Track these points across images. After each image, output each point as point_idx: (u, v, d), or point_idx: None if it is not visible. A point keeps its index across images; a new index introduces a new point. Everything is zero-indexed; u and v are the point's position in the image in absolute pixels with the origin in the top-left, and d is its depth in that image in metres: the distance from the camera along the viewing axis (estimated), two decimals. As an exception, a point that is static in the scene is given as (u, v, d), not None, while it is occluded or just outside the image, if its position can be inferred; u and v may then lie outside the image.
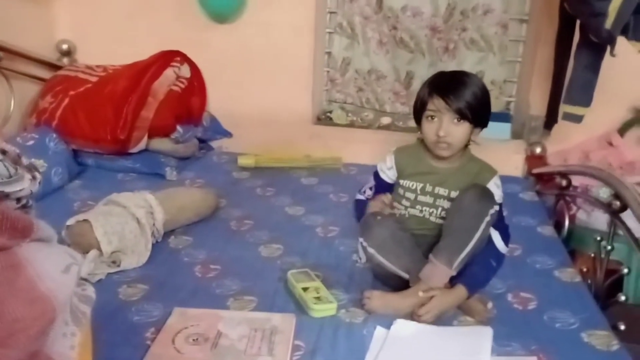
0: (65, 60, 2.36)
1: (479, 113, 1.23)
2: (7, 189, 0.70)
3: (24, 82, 2.18)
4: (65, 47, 2.36)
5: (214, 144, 2.35)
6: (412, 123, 2.24)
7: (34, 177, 0.76)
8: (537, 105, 2.08)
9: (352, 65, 2.32)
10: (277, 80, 2.29)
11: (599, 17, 1.43)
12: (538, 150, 2.01)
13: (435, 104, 1.21)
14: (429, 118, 1.23)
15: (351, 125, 2.35)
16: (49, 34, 2.36)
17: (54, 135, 1.97)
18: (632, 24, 1.43)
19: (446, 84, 1.22)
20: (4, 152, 0.74)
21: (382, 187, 1.35)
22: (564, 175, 1.76)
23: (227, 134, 2.35)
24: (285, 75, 2.29)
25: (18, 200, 0.74)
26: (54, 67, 2.30)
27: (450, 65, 2.21)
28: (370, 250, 1.23)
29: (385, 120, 2.33)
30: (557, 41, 1.84)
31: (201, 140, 2.28)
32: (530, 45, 2.12)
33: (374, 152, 2.14)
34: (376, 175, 1.38)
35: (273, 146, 2.18)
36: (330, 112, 2.38)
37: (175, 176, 2.00)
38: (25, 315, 0.61)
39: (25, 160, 0.77)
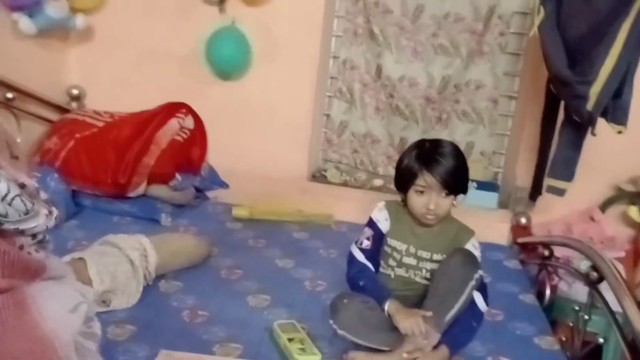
0: (74, 105, 2.45)
1: (464, 185, 1.31)
2: (22, 226, 0.70)
3: (32, 122, 2.25)
4: (75, 92, 2.45)
5: (210, 193, 2.40)
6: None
7: (50, 212, 0.76)
8: (523, 177, 2.17)
9: (349, 128, 2.43)
10: (275, 137, 2.38)
11: (581, 99, 1.53)
12: (523, 220, 2.07)
13: (427, 180, 1.26)
14: (419, 192, 1.28)
15: (344, 184, 2.42)
16: (60, 78, 2.46)
17: (56, 175, 2.03)
18: (611, 108, 1.54)
19: (435, 160, 1.26)
20: (22, 186, 0.74)
21: (378, 237, 1.38)
22: (547, 245, 1.82)
23: (224, 185, 2.41)
24: (284, 133, 2.38)
25: (34, 236, 0.74)
26: (63, 110, 2.39)
27: (442, 134, 2.32)
28: (340, 332, 1.27)
29: (378, 182, 2.41)
30: (543, 118, 1.95)
31: (198, 190, 2.33)
32: (518, 121, 2.24)
33: (365, 211, 2.17)
34: (373, 224, 1.40)
35: (267, 199, 2.24)
36: (325, 170, 2.46)
37: (170, 222, 2.04)
38: (26, 354, 0.62)
39: (43, 195, 0.78)
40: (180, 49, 2.38)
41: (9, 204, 0.66)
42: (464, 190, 1.32)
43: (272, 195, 2.26)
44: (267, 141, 2.40)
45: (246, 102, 2.39)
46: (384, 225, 1.39)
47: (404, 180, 1.32)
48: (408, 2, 2.27)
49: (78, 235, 1.83)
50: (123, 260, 1.49)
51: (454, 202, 1.31)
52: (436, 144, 1.33)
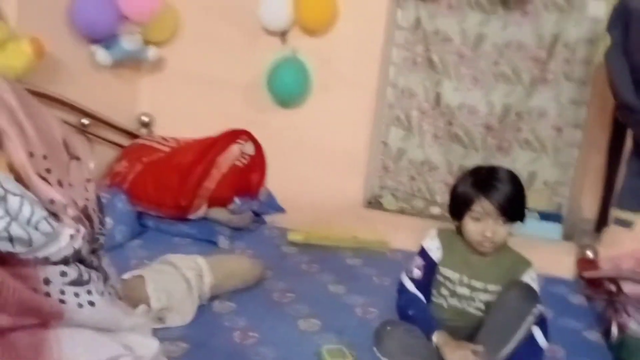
0: (143, 131, 2.58)
1: (521, 212, 1.27)
2: (42, 253, 0.64)
3: (104, 146, 2.39)
4: (145, 119, 2.59)
5: (267, 218, 2.44)
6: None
7: (77, 231, 0.70)
8: (589, 208, 2.07)
9: (406, 155, 2.42)
10: (332, 163, 2.40)
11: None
12: (589, 253, 1.97)
13: (484, 207, 1.23)
14: (474, 219, 1.25)
15: (401, 212, 2.40)
16: (132, 106, 2.60)
17: (123, 197, 2.14)
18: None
19: (492, 186, 1.24)
20: (52, 202, 0.68)
21: (430, 266, 1.36)
22: (615, 281, 1.72)
23: (281, 210, 2.45)
24: (341, 159, 2.40)
25: (65, 261, 0.68)
26: (133, 135, 2.52)
27: (503, 163, 2.25)
28: (383, 359, 1.26)
29: (435, 210, 2.38)
30: (609, 147, 1.87)
31: (256, 214, 2.39)
32: (584, 150, 2.15)
33: (421, 240, 2.17)
34: (424, 254, 1.38)
35: (322, 225, 2.26)
36: (381, 197, 2.45)
37: (227, 245, 2.09)
38: None
39: (72, 211, 0.71)
40: (242, 78, 2.47)
41: (35, 228, 0.61)
42: (521, 217, 1.28)
43: (327, 221, 2.28)
44: (324, 167, 2.42)
45: (305, 129, 2.44)
46: (436, 254, 1.36)
47: (459, 206, 1.30)
48: (468, 30, 2.26)
49: (140, 254, 1.91)
50: (180, 279, 1.54)
51: (511, 230, 1.28)
52: (493, 170, 1.31)
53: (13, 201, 0.55)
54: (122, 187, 2.21)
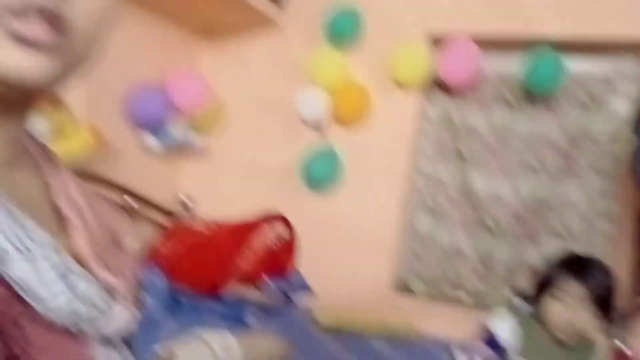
0: (185, 212, 2.73)
1: (611, 307, 1.23)
2: (97, 331, 0.61)
3: (147, 225, 2.54)
4: (187, 201, 2.75)
5: (297, 298, 2.48)
6: (490, 302, 2.28)
7: (131, 312, 0.70)
8: (620, 302, 2.02)
9: (436, 241, 2.45)
10: (362, 247, 2.46)
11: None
12: (622, 346, 1.91)
13: (576, 290, 1.20)
14: (561, 301, 1.21)
15: (429, 297, 2.40)
16: (175, 188, 2.77)
17: (160, 274, 2.24)
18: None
19: (588, 271, 1.22)
20: (108, 285, 0.66)
21: (499, 356, 1.26)
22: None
23: (311, 292, 2.49)
24: (370, 244, 2.45)
25: (114, 341, 0.67)
26: (175, 217, 2.67)
27: (532, 252, 2.27)
28: None
29: (464, 296, 2.36)
30: (636, 242, 1.86)
31: (286, 294, 2.43)
32: (614, 242, 2.14)
33: (450, 327, 2.16)
34: (494, 343, 1.28)
35: (351, 309, 2.28)
36: (410, 282, 2.46)
37: (256, 324, 2.13)
38: None
39: (125, 294, 0.69)
40: (279, 165, 2.62)
41: (96, 305, 0.59)
42: (609, 312, 1.23)
43: (356, 305, 2.30)
44: (354, 251, 2.48)
45: (336, 214, 2.53)
46: (509, 340, 1.26)
47: (546, 284, 1.25)
48: (495, 122, 2.36)
49: (172, 327, 1.97)
50: (208, 354, 1.58)
51: (597, 323, 1.21)
52: (588, 258, 1.29)
53: (73, 278, 0.56)
54: (160, 264, 2.31)
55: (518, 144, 2.33)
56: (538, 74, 2.18)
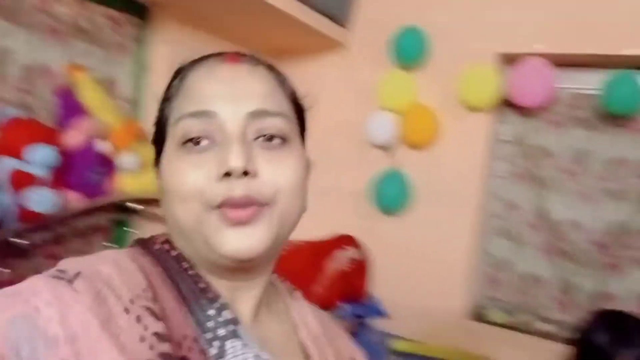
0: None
1: None
2: None
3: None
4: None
5: (371, 322, 2.51)
6: (571, 334, 2.21)
7: None
8: None
9: (513, 267, 2.40)
10: (435, 272, 2.45)
11: None
12: None
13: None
14: None
15: (507, 326, 2.35)
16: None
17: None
18: None
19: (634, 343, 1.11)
20: None
21: None
22: None
23: (385, 315, 2.51)
24: (444, 268, 2.43)
25: None
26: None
27: (615, 282, 2.18)
28: None
29: (544, 326, 2.30)
30: None
31: (359, 317, 2.46)
32: None
33: (529, 358, 2.12)
34: None
35: (426, 335, 2.28)
36: (487, 309, 2.43)
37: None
38: None
39: None
40: (351, 188, 2.65)
41: None
42: None
43: (431, 331, 2.30)
44: (428, 275, 2.47)
45: (408, 238, 2.52)
46: None
47: (607, 349, 1.17)
48: (573, 145, 2.28)
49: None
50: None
51: None
52: (636, 321, 1.18)
53: None
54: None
55: (597, 166, 2.23)
56: (617, 94, 2.08)
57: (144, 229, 2.20)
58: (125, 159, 2.01)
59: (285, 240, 0.60)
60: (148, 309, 0.50)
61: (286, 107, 0.61)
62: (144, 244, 0.61)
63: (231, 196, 0.52)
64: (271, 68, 0.63)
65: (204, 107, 0.56)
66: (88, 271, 0.50)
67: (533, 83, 2.22)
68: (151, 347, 0.48)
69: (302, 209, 0.61)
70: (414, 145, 2.50)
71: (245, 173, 0.53)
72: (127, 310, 0.49)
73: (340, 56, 2.70)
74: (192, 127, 0.55)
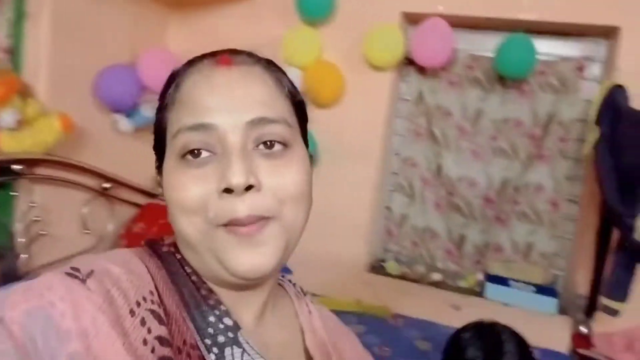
0: (160, 190, 2.70)
1: None
2: None
3: (123, 206, 2.53)
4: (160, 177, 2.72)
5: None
6: (461, 283, 2.38)
7: None
8: (585, 285, 2.13)
9: (409, 221, 2.52)
10: (336, 228, 2.50)
11: (628, 229, 1.55)
12: (584, 329, 2.04)
13: None
14: None
15: (403, 277, 2.49)
16: (150, 166, 2.72)
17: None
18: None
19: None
20: None
21: None
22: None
23: (288, 271, 2.55)
24: (346, 224, 2.50)
25: None
26: (150, 195, 2.66)
27: (501, 234, 2.35)
28: None
29: (436, 276, 2.46)
30: (597, 237, 1.94)
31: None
32: (579, 225, 2.24)
33: (422, 306, 2.26)
34: None
35: (328, 289, 2.35)
36: (384, 261, 2.54)
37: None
38: None
39: None
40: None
41: None
42: None
43: (332, 285, 2.37)
44: (331, 231, 2.52)
45: (314, 196, 2.54)
46: None
47: None
48: (468, 106, 2.38)
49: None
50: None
51: None
52: (499, 341, 1.17)
53: None
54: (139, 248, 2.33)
55: (490, 128, 2.36)
56: (510, 57, 2.17)
57: (27, 193, 2.03)
58: (3, 116, 1.82)
59: (294, 248, 0.60)
60: (153, 312, 0.52)
61: (285, 109, 0.59)
62: (152, 246, 0.62)
63: (237, 218, 0.53)
64: (267, 66, 0.61)
65: (203, 119, 0.55)
66: (100, 271, 0.52)
67: (433, 43, 2.26)
68: (153, 351, 0.49)
69: (308, 213, 0.61)
70: (318, 101, 2.48)
71: (248, 187, 0.52)
72: (132, 313, 0.50)
73: (245, 8, 2.58)
74: (191, 139, 0.55)
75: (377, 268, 2.53)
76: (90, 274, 0.51)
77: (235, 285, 0.58)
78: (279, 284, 0.72)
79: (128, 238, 2.42)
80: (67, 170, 2.19)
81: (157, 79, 2.40)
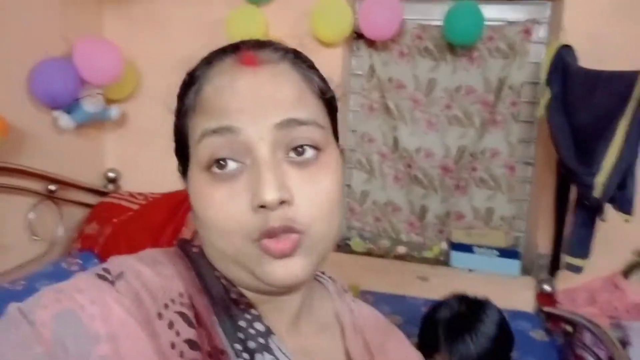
0: (110, 187, 2.60)
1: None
2: None
3: (73, 208, 2.40)
4: (111, 175, 2.61)
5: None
6: (427, 254, 2.40)
7: None
8: (545, 244, 2.19)
9: (371, 197, 2.50)
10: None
11: (588, 187, 1.58)
12: (547, 287, 2.09)
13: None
14: None
15: (368, 253, 2.49)
16: (97, 163, 2.62)
17: (96, 261, 2.16)
18: (618, 198, 1.58)
19: (463, 340, 1.12)
20: None
21: None
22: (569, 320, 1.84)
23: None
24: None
25: None
26: (101, 193, 2.54)
27: (461, 201, 2.38)
28: None
29: (401, 249, 2.47)
30: (556, 196, 1.99)
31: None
32: (535, 186, 2.28)
33: (390, 281, 2.26)
34: None
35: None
36: (349, 239, 2.53)
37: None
38: None
39: None
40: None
41: None
42: None
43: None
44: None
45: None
46: None
47: (425, 346, 1.19)
48: (420, 76, 2.37)
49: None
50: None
51: None
52: (476, 315, 1.15)
53: None
54: (94, 250, 2.23)
55: (444, 97, 2.36)
56: (458, 24, 2.16)
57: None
58: None
59: (329, 253, 0.57)
60: (182, 314, 0.51)
61: (316, 108, 0.56)
62: (183, 246, 0.60)
63: (269, 229, 0.50)
64: (295, 59, 0.57)
65: (227, 122, 0.51)
66: (130, 272, 0.51)
67: (381, 16, 2.22)
68: (181, 355, 0.48)
69: (341, 218, 0.57)
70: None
71: (281, 202, 0.50)
72: (160, 316, 0.49)
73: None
74: (216, 146, 0.52)
75: (342, 246, 2.51)
76: (120, 275, 0.51)
77: (267, 291, 0.56)
78: (318, 281, 0.68)
79: (81, 240, 2.31)
80: (8, 176, 2.06)
81: (95, 71, 2.27)
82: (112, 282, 0.50)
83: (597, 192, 1.56)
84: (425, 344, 1.21)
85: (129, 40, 2.48)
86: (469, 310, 1.18)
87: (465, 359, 1.11)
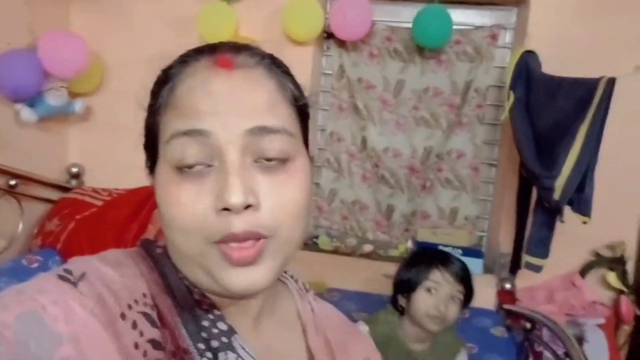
0: (73, 182, 2.54)
1: (472, 294, 1.40)
2: None
3: (34, 203, 2.34)
4: (74, 170, 2.55)
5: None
6: (393, 252, 2.43)
7: None
8: (507, 244, 2.25)
9: (338, 196, 2.53)
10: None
11: (548, 190, 1.64)
12: (508, 286, 2.15)
13: (443, 276, 1.34)
14: (430, 290, 1.34)
15: (335, 251, 2.51)
16: (60, 158, 2.56)
17: (57, 258, 2.11)
18: (576, 200, 1.64)
19: (449, 260, 1.37)
20: None
21: None
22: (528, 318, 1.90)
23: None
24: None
25: None
26: (63, 189, 2.48)
27: (427, 201, 2.42)
28: None
29: (368, 247, 2.50)
30: (518, 197, 2.05)
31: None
32: (499, 187, 2.34)
33: (357, 278, 2.29)
34: None
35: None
36: (317, 237, 2.55)
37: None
38: None
39: None
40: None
41: None
42: (470, 298, 1.41)
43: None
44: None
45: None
46: None
47: (413, 279, 1.37)
48: (389, 77, 2.40)
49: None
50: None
51: (460, 311, 1.38)
52: (443, 251, 1.46)
53: None
54: (56, 247, 2.18)
55: (411, 98, 2.39)
56: (427, 27, 2.19)
57: None
58: None
59: (291, 260, 0.56)
60: (146, 315, 0.50)
61: (287, 116, 0.56)
62: (147, 247, 0.60)
63: (232, 233, 0.50)
64: (270, 65, 0.58)
65: (198, 125, 0.51)
66: (92, 273, 0.51)
67: (352, 16, 2.24)
68: (145, 355, 0.48)
69: (306, 225, 0.57)
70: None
71: (247, 207, 0.50)
72: (123, 316, 0.49)
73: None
74: (185, 148, 0.51)
75: (309, 244, 2.52)
76: (82, 276, 0.50)
77: (227, 296, 0.55)
78: (281, 281, 0.69)
79: (42, 237, 2.25)
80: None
81: (59, 64, 2.22)
82: (74, 284, 0.49)
83: (556, 194, 1.62)
84: (417, 272, 1.38)
85: (97, 34, 2.43)
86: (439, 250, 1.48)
87: (456, 273, 1.35)
